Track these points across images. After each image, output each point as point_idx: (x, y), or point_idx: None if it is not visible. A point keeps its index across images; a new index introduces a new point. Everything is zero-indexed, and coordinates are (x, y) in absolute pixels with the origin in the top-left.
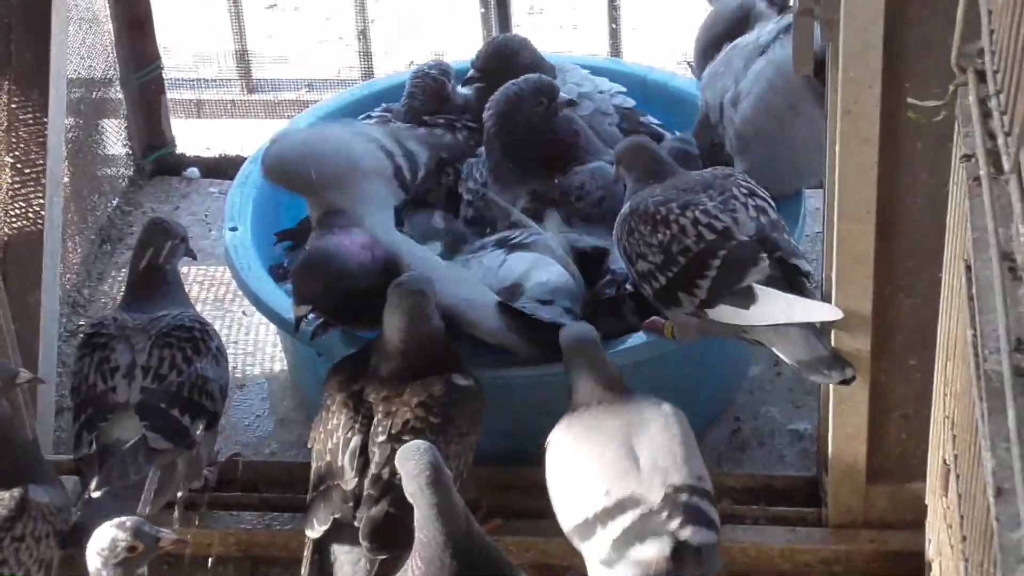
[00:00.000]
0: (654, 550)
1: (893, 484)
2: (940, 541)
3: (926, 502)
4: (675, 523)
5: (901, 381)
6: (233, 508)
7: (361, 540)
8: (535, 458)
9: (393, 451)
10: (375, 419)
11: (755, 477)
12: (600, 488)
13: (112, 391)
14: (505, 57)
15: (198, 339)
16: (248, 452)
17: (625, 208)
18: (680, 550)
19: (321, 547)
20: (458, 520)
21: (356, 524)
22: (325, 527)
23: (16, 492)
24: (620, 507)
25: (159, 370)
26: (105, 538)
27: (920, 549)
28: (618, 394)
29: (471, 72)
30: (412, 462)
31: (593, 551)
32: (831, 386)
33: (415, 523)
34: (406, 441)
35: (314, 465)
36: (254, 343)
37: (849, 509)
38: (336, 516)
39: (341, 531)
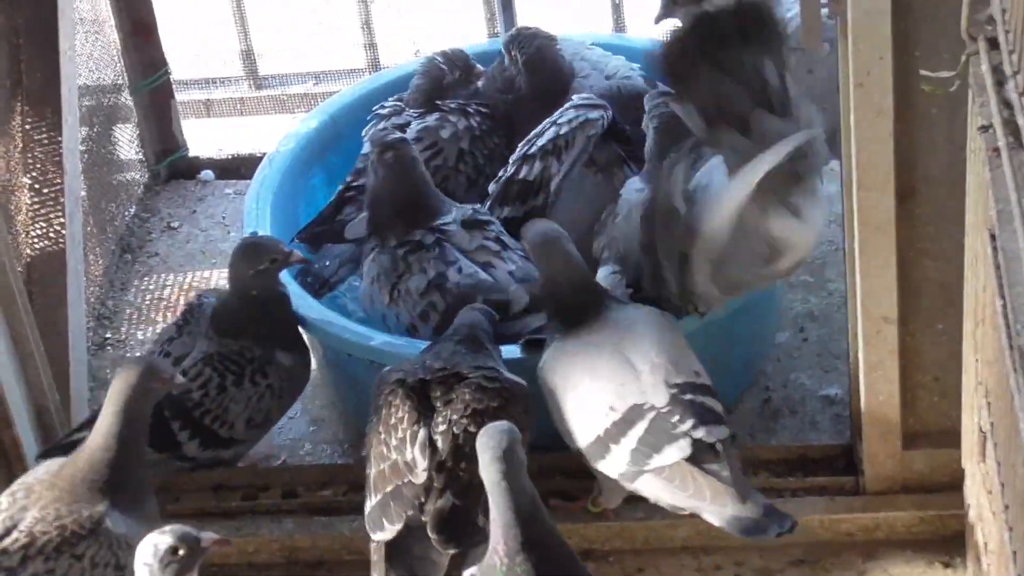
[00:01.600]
0: (675, 454)
1: (929, 448)
2: (980, 505)
3: (963, 465)
4: (688, 424)
5: (930, 344)
6: (273, 513)
7: (429, 533)
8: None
9: (455, 438)
10: (436, 409)
11: (790, 448)
12: (603, 406)
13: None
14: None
15: (245, 371)
16: (284, 454)
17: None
18: (698, 449)
19: (392, 549)
20: (524, 497)
21: (424, 518)
22: (398, 526)
23: (96, 513)
24: (628, 420)
25: (192, 375)
26: (147, 547)
27: (960, 511)
28: (597, 301)
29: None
30: (485, 438)
31: (611, 469)
32: (860, 353)
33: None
34: (465, 426)
35: (374, 469)
36: None
37: (886, 475)
38: (409, 513)
39: (412, 531)
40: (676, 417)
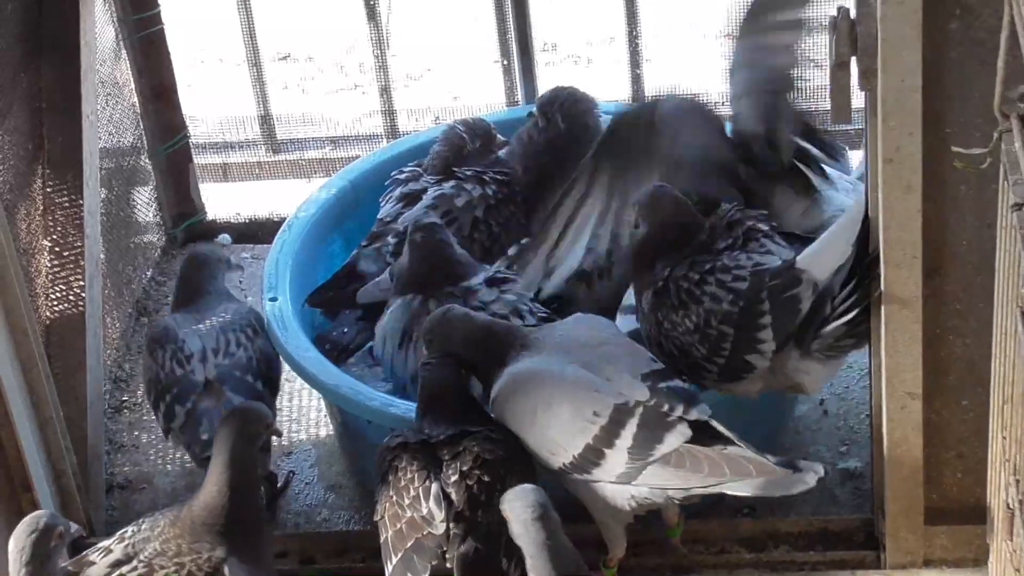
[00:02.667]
0: (676, 439)
1: (952, 524)
2: None
3: (987, 542)
4: (679, 409)
5: (955, 421)
6: None
7: None
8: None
9: (468, 488)
10: (444, 463)
11: (810, 522)
12: (586, 414)
13: (191, 373)
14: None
15: (255, 324)
16: (300, 521)
17: (647, 299)
18: (696, 430)
19: None
20: (566, 555)
21: (448, 565)
22: (426, 574)
23: (215, 558)
24: (616, 422)
25: (227, 349)
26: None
27: None
28: (510, 339)
29: (538, 120)
30: (519, 502)
31: (608, 473)
32: (884, 428)
33: (527, 566)
34: (478, 476)
35: (390, 531)
36: (298, 409)
37: (908, 551)
38: (433, 563)
39: None
40: (665, 406)
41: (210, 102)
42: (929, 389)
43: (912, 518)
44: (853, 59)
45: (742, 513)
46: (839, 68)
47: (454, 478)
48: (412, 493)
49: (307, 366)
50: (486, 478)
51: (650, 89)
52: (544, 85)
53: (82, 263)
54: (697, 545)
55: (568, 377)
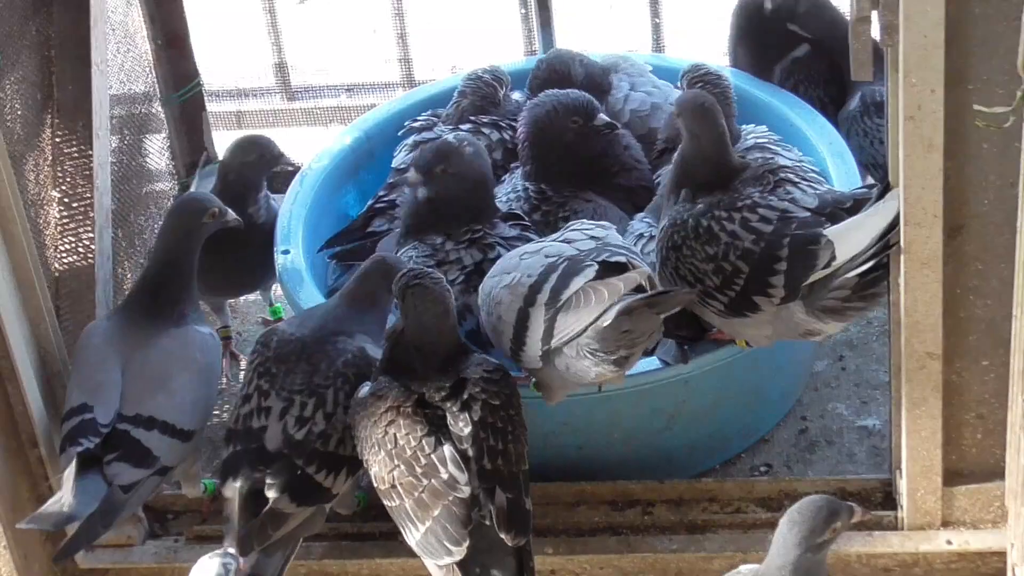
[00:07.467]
0: (581, 279)
1: (971, 485)
2: None
3: (1006, 504)
4: (601, 256)
5: (975, 381)
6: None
7: (501, 534)
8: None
9: (481, 440)
10: (448, 416)
11: (828, 482)
12: (521, 277)
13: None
14: (560, 76)
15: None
16: None
17: (665, 223)
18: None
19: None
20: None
21: (485, 522)
22: (467, 543)
23: None
24: (543, 278)
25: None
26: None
27: (1002, 548)
28: None
29: (528, 95)
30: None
31: (534, 334)
32: (903, 388)
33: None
34: (491, 423)
35: (408, 501)
36: None
37: (926, 511)
38: (470, 528)
39: (477, 544)
40: (588, 259)
41: (225, 49)
42: (949, 349)
43: (930, 479)
44: (875, 13)
45: (759, 472)
46: (860, 22)
47: (467, 431)
48: (424, 461)
49: None
50: (499, 424)
51: (669, 36)
52: (563, 34)
53: (92, 214)
54: (712, 504)
55: (528, 252)
